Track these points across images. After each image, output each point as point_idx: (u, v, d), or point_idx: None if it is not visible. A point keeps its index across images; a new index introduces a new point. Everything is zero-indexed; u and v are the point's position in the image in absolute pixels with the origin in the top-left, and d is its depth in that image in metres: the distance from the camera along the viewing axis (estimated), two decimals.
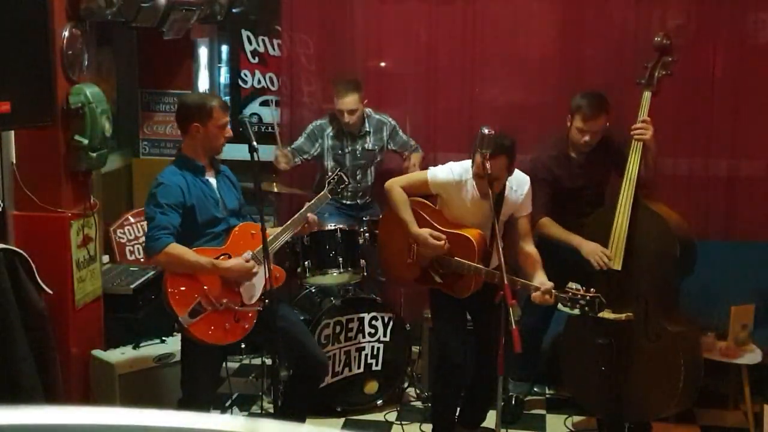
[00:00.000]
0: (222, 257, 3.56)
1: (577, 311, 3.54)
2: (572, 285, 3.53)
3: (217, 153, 3.73)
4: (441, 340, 4.09)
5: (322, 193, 3.96)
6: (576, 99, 4.19)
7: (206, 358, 3.64)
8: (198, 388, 3.66)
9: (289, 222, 3.81)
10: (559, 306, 4.11)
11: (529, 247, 3.85)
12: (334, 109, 4.91)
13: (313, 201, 3.90)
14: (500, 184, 3.70)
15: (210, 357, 3.66)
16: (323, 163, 4.99)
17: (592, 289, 3.53)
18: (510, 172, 3.73)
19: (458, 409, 4.17)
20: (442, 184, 3.86)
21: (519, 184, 3.84)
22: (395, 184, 3.96)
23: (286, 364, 3.95)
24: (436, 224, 3.88)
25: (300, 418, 3.87)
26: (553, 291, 3.57)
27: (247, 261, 3.57)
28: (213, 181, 3.69)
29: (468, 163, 3.80)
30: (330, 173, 4.96)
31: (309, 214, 3.83)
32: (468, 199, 3.80)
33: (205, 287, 3.51)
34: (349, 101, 4.80)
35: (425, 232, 3.82)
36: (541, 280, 3.67)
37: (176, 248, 3.45)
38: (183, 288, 3.49)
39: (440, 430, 4.12)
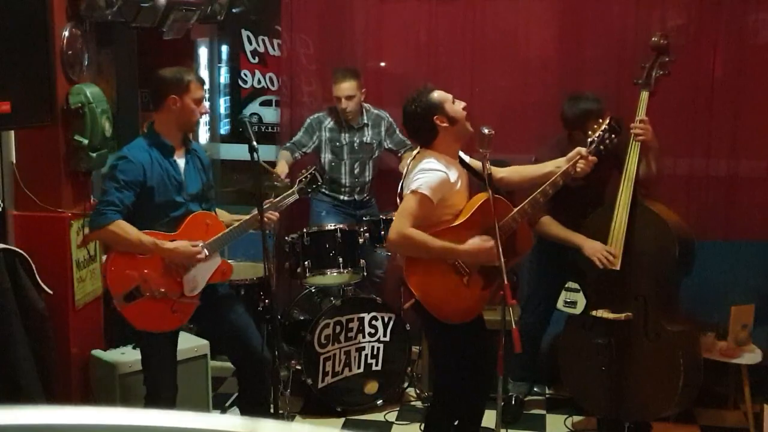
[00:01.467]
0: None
1: (610, 142, 3.52)
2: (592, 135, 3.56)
3: (191, 129, 3.68)
4: (441, 367, 3.78)
5: (290, 191, 3.83)
6: (582, 105, 4.16)
7: (158, 346, 3.60)
8: (156, 380, 3.62)
9: (247, 218, 3.66)
10: (559, 306, 4.14)
11: (511, 171, 3.74)
12: (333, 104, 4.93)
13: (277, 199, 3.78)
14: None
15: (161, 345, 3.61)
16: (321, 156, 5.00)
17: (606, 120, 3.57)
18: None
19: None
20: (439, 185, 3.37)
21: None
22: (404, 229, 3.32)
23: (231, 361, 3.92)
24: (456, 224, 3.46)
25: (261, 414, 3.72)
26: (584, 150, 3.50)
27: (194, 246, 3.48)
28: (181, 162, 3.58)
29: (431, 159, 3.43)
30: (327, 167, 4.99)
31: (269, 213, 3.65)
32: (459, 183, 3.51)
33: (146, 272, 3.44)
34: (346, 87, 4.84)
35: (475, 241, 3.38)
36: (558, 161, 3.58)
37: (120, 225, 3.36)
38: (123, 269, 3.43)
39: None
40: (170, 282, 3.49)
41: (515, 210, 3.48)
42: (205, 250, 3.53)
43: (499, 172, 3.68)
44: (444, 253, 3.38)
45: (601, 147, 3.57)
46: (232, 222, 3.71)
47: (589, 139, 3.58)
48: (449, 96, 3.55)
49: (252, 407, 3.81)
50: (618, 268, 3.94)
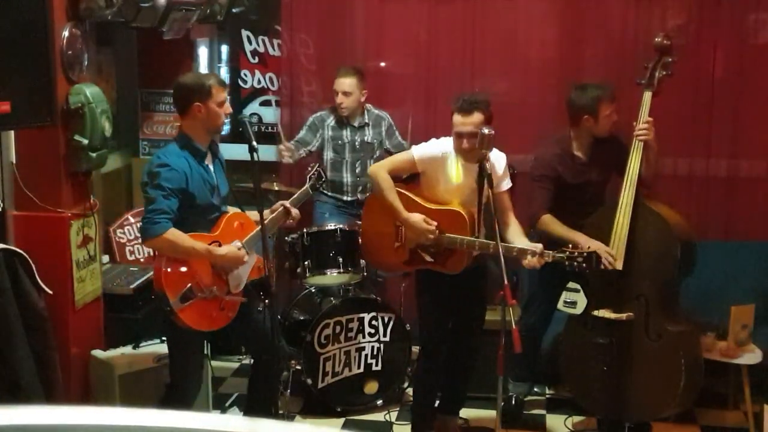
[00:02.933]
0: (213, 244, 3.57)
1: (575, 264, 3.59)
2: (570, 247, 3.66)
3: (218, 131, 3.74)
4: (424, 329, 4.09)
5: (303, 188, 3.99)
6: (584, 94, 4.17)
7: (192, 344, 3.70)
8: (186, 373, 3.71)
9: (271, 216, 3.77)
10: (560, 306, 4.14)
11: (513, 220, 3.89)
12: (334, 104, 4.95)
13: (294, 196, 3.93)
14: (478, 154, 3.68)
15: (195, 343, 3.73)
16: (323, 155, 5.01)
17: (588, 246, 3.63)
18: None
19: (438, 397, 4.22)
20: (429, 159, 3.87)
21: (495, 159, 3.83)
22: (380, 169, 3.96)
23: (251, 353, 4.07)
24: (423, 203, 3.91)
25: (266, 413, 3.85)
26: (549, 252, 3.61)
27: (240, 249, 3.61)
28: (211, 166, 3.67)
29: (448, 139, 3.87)
30: (329, 166, 5.00)
31: (292, 209, 3.83)
32: (453, 174, 3.85)
33: (197, 274, 3.52)
34: (345, 82, 4.87)
35: (419, 217, 3.84)
36: (530, 243, 3.72)
37: (174, 233, 3.42)
38: (176, 272, 3.49)
39: (420, 420, 4.16)
40: (218, 280, 3.59)
41: (464, 237, 3.74)
42: (244, 250, 3.62)
43: (509, 219, 3.88)
44: (391, 207, 3.88)
45: (567, 262, 3.61)
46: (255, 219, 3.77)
47: (568, 252, 3.60)
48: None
49: (259, 404, 3.90)
50: (620, 268, 3.94)
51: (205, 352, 4.25)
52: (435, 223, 3.81)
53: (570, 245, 3.68)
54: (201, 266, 3.53)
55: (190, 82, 3.61)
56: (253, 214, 3.78)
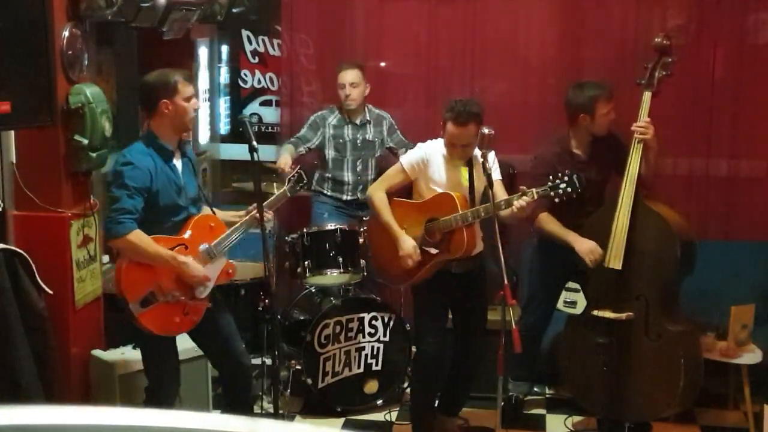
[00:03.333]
0: (179, 247, 3.49)
1: (561, 192, 3.60)
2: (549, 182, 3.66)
3: (187, 129, 3.63)
4: (421, 332, 4.11)
5: (280, 191, 3.84)
6: (581, 93, 4.17)
7: (162, 347, 3.61)
8: (161, 377, 3.64)
9: (245, 218, 3.68)
10: (559, 306, 4.14)
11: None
12: (337, 101, 4.96)
13: (270, 199, 3.79)
14: (471, 151, 3.80)
15: (165, 346, 3.62)
16: (324, 154, 5.00)
17: (566, 171, 3.65)
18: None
19: (438, 398, 4.24)
20: (417, 163, 3.93)
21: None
22: (375, 191, 4.06)
23: (214, 366, 3.92)
24: (415, 202, 3.98)
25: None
26: (533, 189, 3.62)
27: (204, 261, 3.53)
28: (179, 165, 3.58)
29: (433, 141, 3.94)
30: (331, 165, 5.00)
31: (266, 212, 3.66)
32: (443, 171, 3.89)
33: (159, 278, 3.44)
34: (351, 74, 4.88)
35: (410, 244, 3.89)
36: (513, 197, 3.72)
37: (139, 235, 3.36)
38: (137, 276, 3.43)
39: (419, 420, 4.17)
40: (181, 285, 3.50)
41: (459, 213, 3.76)
42: (208, 255, 3.55)
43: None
44: (386, 225, 3.98)
45: (552, 193, 3.63)
46: (228, 220, 3.71)
47: (549, 184, 3.63)
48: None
49: (233, 410, 3.83)
50: (618, 267, 3.94)
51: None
52: (419, 258, 3.87)
53: (551, 177, 3.66)
54: (165, 270, 3.45)
55: (154, 80, 3.53)
56: (225, 215, 3.75)
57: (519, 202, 3.61)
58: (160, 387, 3.63)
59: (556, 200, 3.66)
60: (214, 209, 3.79)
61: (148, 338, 3.58)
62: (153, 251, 3.40)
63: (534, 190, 3.62)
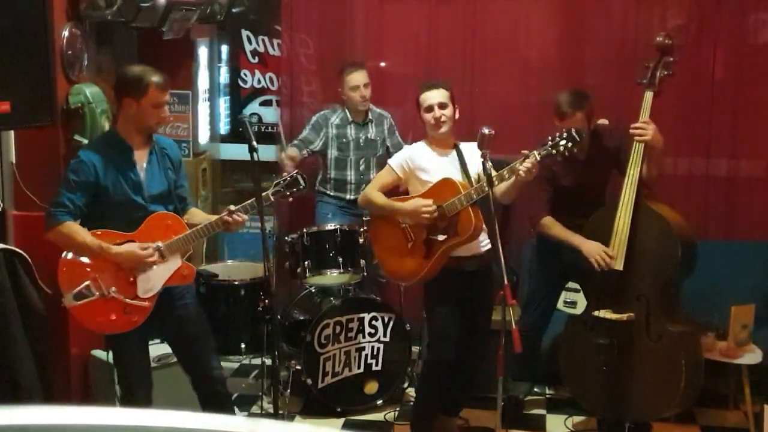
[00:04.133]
0: (125, 243, 3.41)
1: (562, 149, 3.61)
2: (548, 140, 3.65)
3: (149, 132, 3.52)
4: (435, 337, 4.10)
5: (264, 193, 3.56)
6: (561, 97, 4.17)
7: (129, 346, 3.54)
8: (129, 378, 3.58)
9: (213, 220, 3.54)
10: (559, 306, 4.14)
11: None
12: (339, 101, 4.97)
13: (249, 201, 3.56)
14: (448, 117, 3.88)
15: (132, 345, 3.54)
16: (326, 154, 5.01)
17: (563, 129, 3.65)
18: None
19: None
20: (405, 161, 3.97)
21: (472, 148, 3.78)
22: (368, 189, 4.09)
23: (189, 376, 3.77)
24: (412, 196, 3.97)
25: None
26: (534, 152, 3.62)
27: (144, 249, 3.40)
28: (143, 162, 3.47)
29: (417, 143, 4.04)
30: (333, 164, 5.00)
31: (236, 216, 3.51)
32: (431, 161, 3.92)
33: (98, 272, 3.38)
34: (362, 75, 4.92)
35: (412, 200, 3.89)
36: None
37: (69, 227, 3.32)
38: (74, 268, 3.38)
39: (422, 421, 4.16)
40: (123, 282, 3.41)
41: (462, 193, 3.77)
42: (158, 253, 3.43)
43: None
44: (385, 208, 3.97)
45: (554, 151, 3.62)
46: (206, 222, 3.57)
47: (549, 143, 3.62)
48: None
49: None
50: (619, 268, 3.94)
51: None
52: (430, 200, 3.84)
53: (549, 137, 3.66)
54: (105, 264, 3.38)
55: (129, 75, 3.46)
56: (199, 214, 3.70)
57: (524, 165, 3.60)
58: (131, 394, 3.56)
59: (559, 158, 3.69)
60: (194, 209, 3.73)
61: (115, 344, 3.55)
62: (80, 241, 3.34)
63: (535, 151, 3.61)
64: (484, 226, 3.83)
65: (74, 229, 3.34)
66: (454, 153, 3.94)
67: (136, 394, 3.54)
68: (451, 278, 3.91)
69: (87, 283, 3.38)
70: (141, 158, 3.48)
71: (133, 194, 3.43)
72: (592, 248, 3.98)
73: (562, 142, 3.60)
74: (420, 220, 3.85)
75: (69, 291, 3.38)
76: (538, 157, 3.61)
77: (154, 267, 3.45)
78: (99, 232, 3.39)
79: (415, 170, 3.95)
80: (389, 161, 4.10)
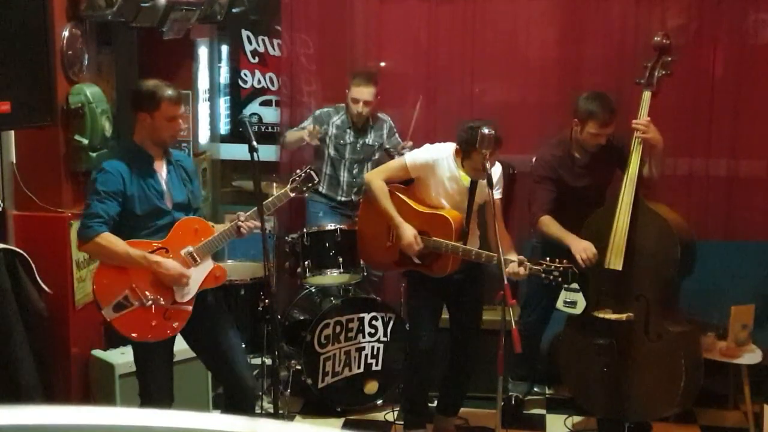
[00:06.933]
0: (159, 251, 3.41)
1: (552, 278, 3.64)
2: (547, 260, 3.69)
3: (164, 145, 3.54)
4: (413, 325, 4.13)
5: (282, 191, 3.68)
6: (586, 103, 4.11)
7: (154, 352, 3.52)
8: (150, 384, 3.56)
9: (229, 226, 3.58)
10: (559, 305, 4.14)
11: (502, 228, 3.85)
12: (344, 101, 4.97)
13: (270, 198, 3.63)
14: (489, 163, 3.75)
15: (157, 352, 3.53)
16: (324, 151, 5.00)
17: (564, 261, 3.65)
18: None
19: (436, 398, 4.26)
20: (421, 165, 3.91)
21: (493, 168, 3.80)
22: (375, 177, 4.02)
23: (220, 383, 3.77)
24: (414, 207, 3.94)
25: None
26: (527, 263, 3.65)
27: (186, 263, 3.43)
28: (162, 171, 3.51)
29: (443, 145, 3.93)
30: (330, 163, 5.00)
31: (250, 222, 3.54)
32: (446, 179, 3.88)
33: (134, 281, 3.37)
34: (368, 92, 4.88)
35: (411, 232, 3.85)
36: (513, 255, 3.74)
37: (107, 238, 3.30)
38: (111, 280, 3.37)
39: (411, 416, 4.17)
40: (160, 289, 3.41)
41: (450, 242, 3.79)
42: (191, 259, 3.46)
43: (499, 227, 3.70)
44: (385, 213, 3.93)
45: (543, 275, 3.66)
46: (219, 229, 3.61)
47: (545, 266, 3.65)
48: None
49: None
50: (618, 268, 3.94)
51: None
52: (422, 245, 3.83)
53: (548, 258, 3.68)
54: (141, 273, 3.37)
55: (143, 89, 3.48)
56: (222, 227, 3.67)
57: (512, 268, 3.61)
58: (149, 393, 3.55)
59: (545, 282, 3.70)
60: (212, 224, 3.70)
61: (141, 355, 3.54)
62: (123, 252, 3.33)
63: (529, 264, 3.65)
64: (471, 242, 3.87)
65: (112, 239, 3.33)
66: (469, 181, 3.85)
67: (154, 394, 3.52)
68: (430, 279, 3.95)
69: (126, 293, 3.38)
70: (160, 168, 3.52)
71: (158, 202, 3.45)
72: (578, 246, 3.95)
73: (555, 273, 3.63)
74: (404, 249, 3.89)
75: (107, 304, 3.37)
76: (527, 271, 3.65)
77: (190, 270, 3.45)
78: (131, 242, 3.38)
79: (429, 176, 3.91)
80: (407, 157, 4.02)
